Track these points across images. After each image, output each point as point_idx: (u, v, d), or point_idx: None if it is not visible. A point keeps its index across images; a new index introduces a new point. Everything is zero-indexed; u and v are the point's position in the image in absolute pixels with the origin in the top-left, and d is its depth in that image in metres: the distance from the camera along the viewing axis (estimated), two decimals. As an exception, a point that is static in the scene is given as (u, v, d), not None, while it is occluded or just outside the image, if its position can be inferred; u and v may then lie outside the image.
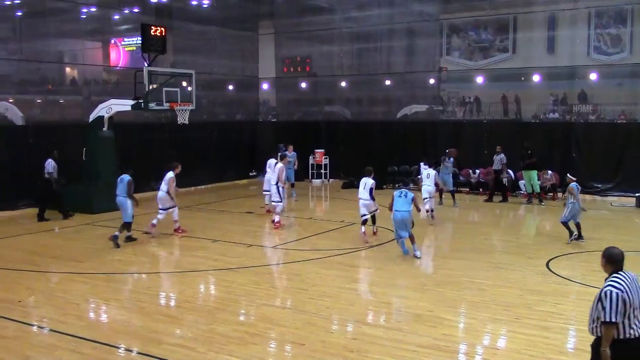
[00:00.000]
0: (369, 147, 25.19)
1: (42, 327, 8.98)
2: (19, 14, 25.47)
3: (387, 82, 28.94)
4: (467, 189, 22.68)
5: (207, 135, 25.59)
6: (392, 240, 14.70)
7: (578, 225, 14.18)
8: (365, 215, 14.65)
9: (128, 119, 21.45)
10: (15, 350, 7.97)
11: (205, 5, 28.89)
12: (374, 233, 15.23)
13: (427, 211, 17.21)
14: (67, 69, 28.61)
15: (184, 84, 19.95)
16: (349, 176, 24.65)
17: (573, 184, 14.23)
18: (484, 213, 19.56)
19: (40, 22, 24.72)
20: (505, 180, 21.31)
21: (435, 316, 9.17)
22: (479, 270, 12.02)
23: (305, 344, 8.12)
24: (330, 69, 29.92)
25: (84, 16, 27.17)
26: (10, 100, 21.77)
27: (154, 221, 14.94)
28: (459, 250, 13.83)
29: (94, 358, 7.72)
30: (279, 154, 17.69)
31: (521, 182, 21.70)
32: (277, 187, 16.16)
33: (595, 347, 5.57)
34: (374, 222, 15.13)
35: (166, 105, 18.01)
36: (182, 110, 18.28)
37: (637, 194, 20.50)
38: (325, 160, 26.70)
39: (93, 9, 27.02)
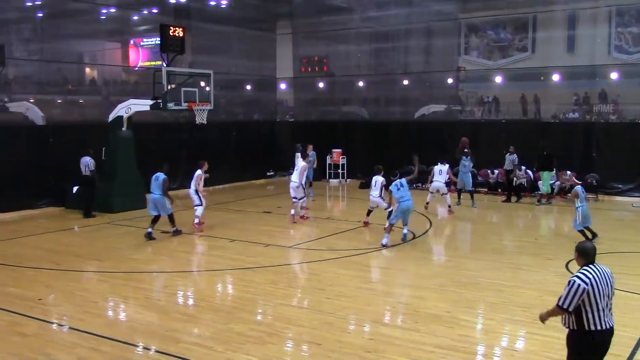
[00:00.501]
0: (387, 147, 25.12)
1: (62, 325, 9.07)
2: (40, 15, 25.76)
3: (405, 82, 28.86)
4: (486, 189, 22.52)
5: (225, 135, 25.68)
6: (410, 240, 14.68)
7: (589, 229, 14.09)
8: (388, 208, 15.30)
9: (147, 119, 21.59)
10: (35, 347, 8.06)
11: (223, 6, 29.01)
12: (365, 223, 16.13)
13: (426, 205, 18.48)
14: (87, 70, 28.91)
15: (202, 84, 20.04)
16: (366, 176, 24.54)
17: (578, 187, 14.16)
18: (502, 213, 19.43)
19: (61, 23, 24.99)
20: (523, 180, 21.12)
21: (453, 317, 9.12)
22: (497, 271, 11.94)
23: (322, 343, 8.11)
24: (347, 69, 29.90)
25: (104, 17, 27.43)
26: (31, 101, 22.01)
27: (195, 220, 15.79)
28: (477, 251, 13.75)
29: (112, 356, 7.78)
30: (304, 153, 19.09)
31: (539, 183, 21.50)
32: (301, 185, 16.95)
33: (568, 339, 5.85)
34: (368, 214, 16.13)
35: (184, 105, 18.10)
36: (200, 110, 18.36)
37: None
38: (342, 160, 26.68)
39: (112, 10, 27.26)
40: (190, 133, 23.32)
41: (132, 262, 12.87)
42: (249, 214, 18.77)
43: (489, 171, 22.72)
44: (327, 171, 26.75)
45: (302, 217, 17.32)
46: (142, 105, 18.62)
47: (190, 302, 10.55)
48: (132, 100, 19.11)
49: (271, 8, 29.69)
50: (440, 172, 18.30)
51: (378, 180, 15.32)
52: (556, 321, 8.84)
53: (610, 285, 5.74)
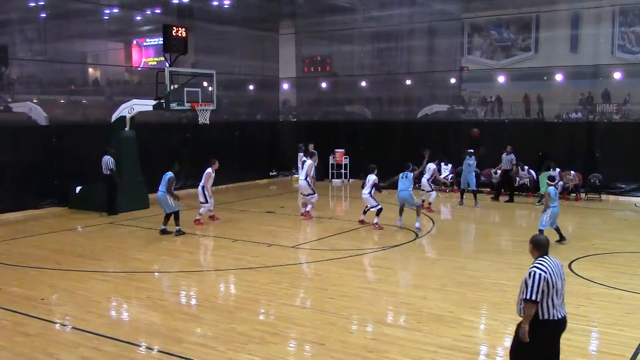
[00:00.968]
0: (390, 147, 25.10)
1: (65, 325, 9.08)
2: (43, 15, 25.82)
3: (408, 82, 28.84)
4: (489, 189, 22.49)
5: (227, 135, 25.68)
6: (413, 240, 14.69)
7: (557, 230, 13.87)
8: (376, 206, 15.75)
9: (150, 119, 21.61)
10: (39, 347, 8.06)
11: (226, 6, 29.03)
12: (361, 222, 16.43)
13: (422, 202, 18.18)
14: (90, 70, 28.96)
15: (205, 84, 20.05)
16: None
17: (551, 189, 13.90)
18: (505, 213, 19.40)
19: (64, 23, 25.03)
20: (526, 180, 21.09)
21: (456, 317, 9.11)
22: (500, 271, 11.92)
23: (325, 343, 8.11)
24: (350, 69, 29.89)
25: (107, 17, 27.48)
26: (35, 101, 22.05)
27: (197, 216, 16.41)
28: (480, 251, 13.74)
29: (115, 356, 7.78)
30: (310, 152, 19.36)
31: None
32: (307, 182, 17.28)
33: (519, 327, 5.94)
34: (364, 212, 16.39)
35: (187, 106, 18.12)
36: (203, 110, 18.37)
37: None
38: (345, 160, 26.67)
39: (115, 10, 27.31)
40: (193, 133, 23.35)
41: (135, 262, 12.88)
42: (252, 213, 18.78)
43: (492, 171, 22.66)
44: (330, 171, 26.75)
45: (304, 213, 17.61)
46: (145, 105, 18.63)
47: (193, 302, 10.55)
48: (135, 101, 19.12)
49: (274, 8, 29.69)
50: (429, 169, 18.53)
51: (370, 178, 15.79)
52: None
53: (561, 275, 6.01)
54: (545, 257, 6.04)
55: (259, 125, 29.15)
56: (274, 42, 30.62)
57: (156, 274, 12.20)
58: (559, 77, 25.77)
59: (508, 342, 8.33)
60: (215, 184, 23.24)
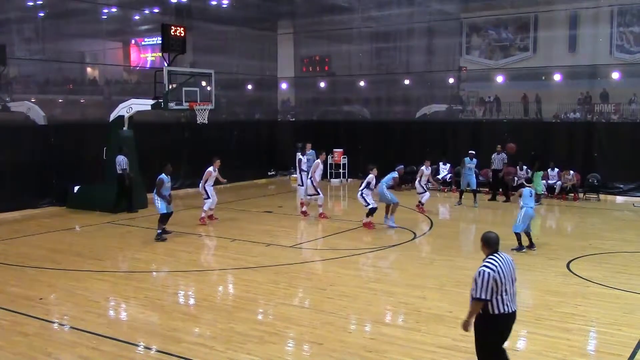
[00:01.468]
0: (388, 147, 25.12)
1: (63, 325, 9.07)
2: (41, 14, 25.78)
3: (407, 82, 28.86)
4: (487, 189, 22.48)
5: (226, 134, 25.68)
6: (412, 240, 14.70)
7: (529, 235, 13.46)
8: (366, 206, 15.66)
9: (148, 118, 21.59)
10: (37, 347, 8.05)
11: (224, 5, 29.01)
12: (366, 224, 15.95)
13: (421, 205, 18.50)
14: (88, 69, 28.92)
15: (204, 83, 20.03)
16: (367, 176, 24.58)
17: (525, 190, 13.49)
18: (503, 213, 19.40)
19: (62, 22, 25.00)
20: (523, 179, 21.03)
21: (455, 317, 9.09)
22: (498, 271, 11.91)
23: (323, 343, 8.11)
24: (349, 69, 29.90)
25: (105, 17, 27.44)
26: (33, 100, 22.02)
27: (202, 214, 16.59)
28: (479, 251, 13.69)
29: (114, 355, 7.78)
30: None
31: (541, 182, 21.46)
32: (311, 181, 17.22)
33: (475, 323, 6.16)
34: (367, 215, 15.93)
35: (186, 105, 18.10)
36: (202, 110, 18.36)
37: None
38: (343, 160, 26.68)
39: (114, 10, 27.27)
40: (192, 133, 23.33)
41: (133, 261, 12.88)
42: (250, 213, 18.77)
43: (490, 171, 22.63)
44: (329, 171, 26.74)
45: (302, 212, 17.69)
46: (144, 104, 18.62)
47: (192, 301, 10.54)
48: (133, 100, 19.11)
49: (272, 8, 29.68)
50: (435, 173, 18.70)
51: (367, 178, 15.76)
52: (557, 321, 8.89)
53: (512, 271, 6.18)
54: (495, 254, 6.17)
55: (257, 124, 29.15)
56: (273, 41, 30.62)
57: (154, 273, 12.20)
58: (557, 77, 25.79)
59: (507, 342, 8.34)
60: (213, 183, 23.31)
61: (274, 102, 31.60)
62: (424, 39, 28.15)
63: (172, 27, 18.17)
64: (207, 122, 18.62)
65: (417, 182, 18.68)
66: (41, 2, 26.03)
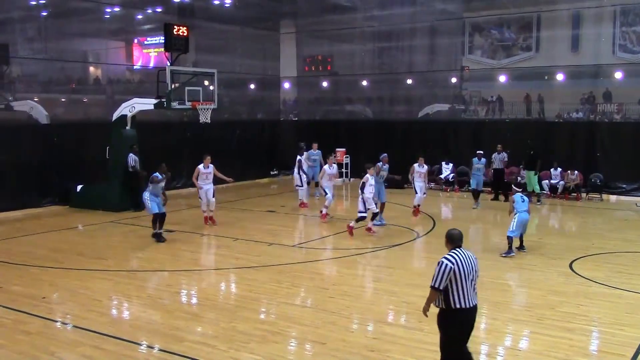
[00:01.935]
0: (390, 147, 25.02)
1: (66, 323, 9.09)
2: (44, 14, 25.81)
3: (409, 81, 28.85)
4: (489, 189, 22.44)
5: (228, 134, 25.68)
6: (414, 240, 14.70)
7: (521, 237, 13.30)
8: (362, 212, 14.80)
9: (151, 117, 21.61)
10: (39, 345, 8.07)
11: (227, 5, 29.03)
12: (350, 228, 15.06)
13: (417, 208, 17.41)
14: (91, 68, 28.95)
15: (206, 83, 20.04)
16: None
17: (517, 195, 13.32)
18: (503, 214, 19.32)
19: (65, 22, 25.04)
20: (522, 179, 21.00)
21: (457, 316, 9.09)
22: (500, 271, 11.92)
23: (326, 343, 8.11)
24: (351, 68, 29.89)
25: (108, 16, 27.48)
26: (36, 99, 22.06)
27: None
28: (481, 250, 13.72)
29: (116, 354, 7.79)
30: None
31: (544, 182, 21.46)
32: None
33: (438, 318, 6.40)
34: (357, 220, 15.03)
35: (188, 104, 18.12)
36: (204, 109, 18.37)
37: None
38: (346, 160, 26.66)
39: (116, 9, 27.30)
40: (194, 132, 23.33)
41: (136, 260, 12.90)
42: (253, 212, 18.78)
43: (491, 170, 22.60)
44: (331, 170, 26.70)
45: (323, 215, 17.01)
46: (146, 104, 18.64)
47: (194, 300, 10.56)
48: (136, 99, 19.12)
49: (275, 7, 29.68)
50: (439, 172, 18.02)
51: (363, 178, 15.28)
52: (560, 321, 8.88)
53: (474, 267, 6.40)
54: (457, 249, 6.42)
55: (259, 124, 29.14)
56: (275, 41, 30.61)
57: (157, 272, 12.20)
58: (560, 76, 25.76)
59: (509, 341, 8.38)
60: (215, 182, 23.26)
61: (276, 102, 31.60)
62: (427, 38, 28.14)
63: (175, 27, 18.16)
64: (209, 121, 18.62)
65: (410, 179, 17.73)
66: (44, 2, 26.07)
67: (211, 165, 16.10)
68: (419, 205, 17.26)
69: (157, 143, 21.37)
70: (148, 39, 32.65)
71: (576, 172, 21.10)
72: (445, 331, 6.34)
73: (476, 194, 19.60)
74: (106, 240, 14.70)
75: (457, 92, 28.48)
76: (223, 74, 22.95)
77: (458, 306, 6.23)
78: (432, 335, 8.26)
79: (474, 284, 6.38)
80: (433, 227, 16.31)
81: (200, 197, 16.26)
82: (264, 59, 30.28)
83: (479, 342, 8.26)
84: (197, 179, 16.08)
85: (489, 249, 13.73)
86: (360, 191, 14.71)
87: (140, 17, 29.32)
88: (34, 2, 25.72)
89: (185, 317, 9.23)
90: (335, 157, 26.05)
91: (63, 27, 24.91)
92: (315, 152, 21.46)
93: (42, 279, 11.32)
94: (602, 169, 21.66)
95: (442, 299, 6.29)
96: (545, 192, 21.52)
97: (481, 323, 9.09)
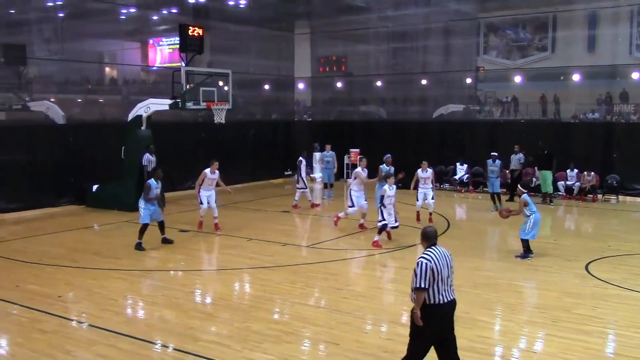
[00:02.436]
0: (405, 147, 24.99)
1: (82, 322, 9.16)
2: (61, 15, 26.05)
3: (423, 82, 28.79)
4: (504, 190, 22.31)
5: (243, 134, 25.73)
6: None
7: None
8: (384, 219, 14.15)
9: (166, 118, 21.71)
10: (55, 344, 8.14)
11: (242, 6, 29.12)
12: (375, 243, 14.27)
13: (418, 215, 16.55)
14: (107, 69, 29.19)
15: (221, 83, 20.10)
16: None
17: (526, 196, 13.05)
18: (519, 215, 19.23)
19: (81, 23, 25.28)
20: (537, 181, 20.85)
21: (471, 318, 9.07)
22: (515, 272, 11.86)
23: (339, 343, 8.11)
24: (365, 69, 29.89)
25: (123, 17, 27.69)
26: (52, 100, 22.25)
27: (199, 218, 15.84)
28: (495, 252, 13.69)
29: (131, 353, 7.84)
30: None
31: (559, 183, 21.31)
32: (350, 192, 15.69)
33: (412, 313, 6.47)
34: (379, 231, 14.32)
35: (203, 105, 18.16)
36: (219, 110, 18.41)
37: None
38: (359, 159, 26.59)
39: (132, 10, 27.49)
40: (209, 132, 23.40)
41: (150, 260, 12.96)
42: (267, 213, 18.81)
43: (507, 171, 22.47)
44: (345, 171, 26.69)
45: (336, 219, 16.39)
46: (161, 104, 18.71)
47: (208, 300, 10.59)
48: (151, 100, 19.21)
49: (289, 8, 29.74)
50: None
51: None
52: (575, 323, 8.82)
53: (449, 263, 6.53)
54: (432, 247, 6.53)
55: (274, 124, 29.19)
56: (290, 41, 30.67)
57: (171, 272, 12.26)
58: (576, 77, 25.59)
59: (524, 343, 8.33)
60: (229, 182, 23.23)
61: (291, 102, 31.65)
62: (441, 38, 28.08)
63: (190, 27, 18.22)
64: (224, 122, 18.65)
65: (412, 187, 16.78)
66: (61, 3, 26.32)
67: (217, 171, 15.42)
68: (430, 213, 16.55)
69: (172, 143, 21.48)
70: (163, 39, 32.85)
71: (592, 173, 20.93)
72: (425, 325, 6.42)
73: (493, 197, 19.14)
74: (121, 240, 14.77)
75: (472, 92, 28.37)
76: (237, 74, 23.01)
77: (435, 302, 6.41)
78: (446, 337, 8.24)
79: (450, 280, 6.57)
80: (447, 228, 16.25)
81: (200, 202, 15.42)
82: (278, 60, 30.34)
83: (493, 344, 8.24)
84: (200, 185, 15.34)
85: (504, 251, 13.66)
86: (379, 203, 14.01)
87: (155, 18, 29.53)
88: (50, 4, 25.98)
89: (200, 317, 9.27)
90: (348, 156, 26.24)
91: (79, 28, 25.15)
92: (329, 154, 21.42)
93: (58, 278, 11.41)
94: (619, 170, 21.45)
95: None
96: (560, 193, 21.38)
97: (496, 325, 9.07)
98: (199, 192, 15.38)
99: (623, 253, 13.33)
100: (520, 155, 20.46)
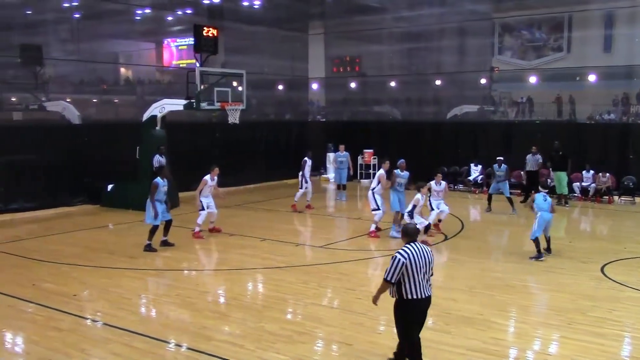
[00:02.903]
0: (419, 148, 24.93)
1: (96, 321, 9.21)
2: (77, 15, 26.23)
3: (438, 82, 28.69)
4: (519, 191, 22.19)
5: (256, 134, 25.77)
6: (442, 242, 14.60)
7: (548, 240, 13.12)
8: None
9: (180, 118, 21.79)
10: (70, 342, 8.20)
11: (256, 6, 29.18)
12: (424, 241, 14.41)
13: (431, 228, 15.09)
14: (122, 69, 29.36)
15: (235, 83, 20.17)
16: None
17: (539, 195, 12.95)
18: (534, 215, 19.11)
19: (97, 23, 25.43)
20: (552, 182, 20.67)
21: (485, 319, 9.02)
22: (530, 274, 11.79)
23: (352, 344, 8.10)
24: (379, 69, 29.86)
25: (138, 18, 27.83)
26: (68, 100, 22.41)
27: (196, 228, 14.99)
28: (510, 253, 13.59)
29: (145, 352, 7.88)
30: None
31: (575, 185, 21.15)
32: (373, 194, 15.04)
33: (394, 308, 6.82)
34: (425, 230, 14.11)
35: (217, 105, 18.21)
36: (233, 110, 18.45)
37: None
38: (374, 161, 26.58)
39: (147, 11, 27.63)
40: (223, 133, 23.47)
41: (165, 259, 13.01)
42: (280, 213, 18.83)
43: (522, 172, 22.33)
44: (359, 171, 26.67)
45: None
46: (176, 104, 18.80)
47: (222, 300, 10.62)
48: (166, 100, 19.30)
49: (303, 8, 29.76)
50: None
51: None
52: (591, 326, 8.74)
53: (427, 260, 6.70)
54: (412, 243, 6.71)
55: (287, 125, 29.20)
56: (303, 42, 30.68)
57: (185, 272, 12.31)
58: (592, 77, 25.39)
59: (538, 345, 8.28)
60: (243, 183, 23.31)
61: (304, 103, 31.66)
62: (456, 39, 27.98)
63: (205, 28, 18.29)
64: (238, 122, 18.69)
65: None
66: (76, 4, 26.50)
67: (216, 177, 15.02)
68: (438, 221, 15.58)
69: (186, 143, 21.58)
70: (178, 40, 33.00)
71: (608, 174, 20.76)
72: (399, 320, 6.77)
73: (490, 198, 19.03)
74: (136, 239, 14.82)
75: (487, 93, 28.24)
76: (251, 74, 23.05)
77: (410, 297, 6.64)
78: (460, 339, 8.23)
79: (428, 277, 6.74)
80: (462, 229, 16.18)
81: (203, 209, 14.80)
82: (292, 60, 30.36)
83: (507, 346, 8.19)
84: (200, 192, 14.82)
85: (518, 252, 13.57)
86: (409, 211, 13.81)
87: (170, 18, 29.66)
88: (66, 4, 26.16)
89: (213, 317, 9.29)
90: (362, 156, 26.22)
91: (95, 28, 25.30)
92: (343, 154, 21.39)
93: (73, 277, 11.49)
94: (635, 172, 21.25)
95: (395, 291, 6.70)
96: (575, 194, 21.23)
97: (510, 327, 9.02)
98: (199, 198, 14.82)
99: (639, 255, 13.20)
100: (538, 156, 20.32)
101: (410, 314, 6.76)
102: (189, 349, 8.02)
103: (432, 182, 15.28)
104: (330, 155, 24.76)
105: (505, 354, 7.94)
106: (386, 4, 28.69)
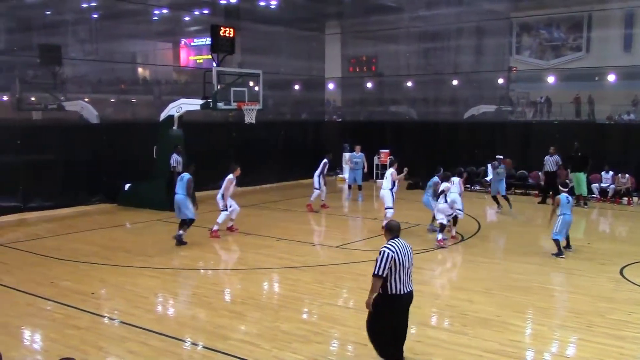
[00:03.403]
0: (435, 148, 24.84)
1: (113, 319, 9.27)
2: (95, 16, 26.46)
3: (455, 82, 28.58)
4: (537, 192, 22.01)
5: (273, 134, 25.79)
6: (459, 242, 14.52)
7: (567, 238, 13.14)
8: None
9: (196, 118, 21.87)
10: (88, 340, 8.26)
11: (272, 6, 29.24)
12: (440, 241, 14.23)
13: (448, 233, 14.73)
14: (139, 69, 29.55)
15: (251, 83, 20.20)
16: (414, 177, 24.31)
17: (562, 196, 12.93)
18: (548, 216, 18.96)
19: (115, 24, 25.63)
20: (571, 183, 20.45)
21: (502, 321, 8.96)
22: (547, 276, 11.69)
23: (367, 344, 8.05)
24: (396, 69, 29.77)
25: (156, 18, 28.01)
26: (86, 100, 22.61)
27: (214, 227, 14.95)
28: (527, 254, 13.47)
29: (161, 350, 7.92)
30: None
31: (594, 186, 20.94)
32: (391, 193, 15.33)
33: (374, 304, 6.97)
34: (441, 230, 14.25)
35: (234, 105, 18.24)
36: (250, 110, 18.48)
37: None
38: (390, 161, 26.50)
39: (164, 11, 27.79)
40: (239, 132, 23.51)
41: (181, 259, 13.07)
42: (296, 213, 18.84)
43: (540, 173, 22.15)
44: (375, 172, 26.60)
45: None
46: (193, 104, 18.86)
47: (238, 299, 10.64)
48: (183, 100, 19.37)
49: (320, 8, 29.75)
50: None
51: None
52: (610, 328, 8.65)
53: (410, 256, 6.91)
54: (395, 239, 6.92)
55: (304, 124, 29.21)
56: (320, 42, 30.68)
57: (202, 271, 12.36)
58: (611, 77, 25.16)
59: (556, 348, 8.20)
60: (259, 182, 23.33)
61: (321, 103, 31.66)
62: (473, 38, 27.84)
63: (222, 28, 18.32)
64: (254, 122, 18.72)
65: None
66: (95, 4, 26.72)
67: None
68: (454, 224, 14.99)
69: (203, 143, 21.63)
70: (195, 40, 33.15)
71: (627, 175, 20.52)
72: (380, 313, 6.88)
73: (495, 199, 19.06)
74: (153, 238, 14.93)
75: (504, 93, 28.05)
76: (268, 74, 23.10)
77: (394, 292, 6.80)
78: (476, 340, 8.18)
79: (410, 272, 6.94)
80: (478, 230, 16.08)
81: (226, 209, 14.82)
82: (308, 60, 30.38)
83: (524, 348, 8.12)
84: (227, 193, 14.76)
85: (536, 253, 13.46)
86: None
87: (187, 18, 29.82)
88: (85, 5, 26.39)
89: (230, 316, 9.32)
90: (378, 156, 26.14)
91: (113, 29, 25.51)
92: (358, 155, 21.33)
93: (91, 275, 11.58)
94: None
95: (379, 286, 6.85)
96: (594, 195, 21.02)
97: (527, 328, 8.95)
98: (226, 198, 14.80)
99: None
100: (556, 156, 20.12)
101: (394, 309, 6.92)
102: (205, 347, 8.05)
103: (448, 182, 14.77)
104: (346, 155, 24.71)
105: (522, 356, 7.88)
106: (403, 3, 28.60)
